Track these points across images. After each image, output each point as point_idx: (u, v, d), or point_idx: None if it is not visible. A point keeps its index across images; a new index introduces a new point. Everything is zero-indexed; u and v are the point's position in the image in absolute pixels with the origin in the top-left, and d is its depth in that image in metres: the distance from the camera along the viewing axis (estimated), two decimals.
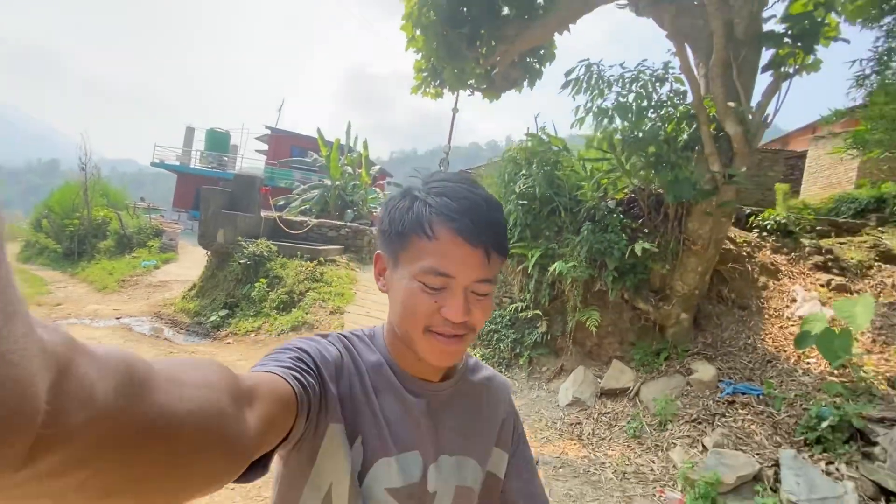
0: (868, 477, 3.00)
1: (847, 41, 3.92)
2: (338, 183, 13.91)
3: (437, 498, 0.63)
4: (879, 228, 6.77)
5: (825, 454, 3.24)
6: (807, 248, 5.92)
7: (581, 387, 4.63)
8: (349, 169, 14.79)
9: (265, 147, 23.25)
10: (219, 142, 21.32)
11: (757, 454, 3.31)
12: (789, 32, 4.10)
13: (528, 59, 7.23)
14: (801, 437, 3.38)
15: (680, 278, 4.82)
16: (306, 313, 6.63)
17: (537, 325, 5.42)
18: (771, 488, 3.05)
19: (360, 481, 0.59)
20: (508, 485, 0.73)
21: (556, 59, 7.20)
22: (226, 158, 21.16)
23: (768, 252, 6.01)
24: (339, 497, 0.57)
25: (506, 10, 5.84)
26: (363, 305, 7.30)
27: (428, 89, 7.68)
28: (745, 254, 5.79)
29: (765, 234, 6.23)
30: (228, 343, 6.44)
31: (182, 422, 0.29)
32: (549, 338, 5.33)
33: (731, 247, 5.79)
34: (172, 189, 21.86)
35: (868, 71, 4.01)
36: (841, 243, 6.16)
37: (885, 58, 3.98)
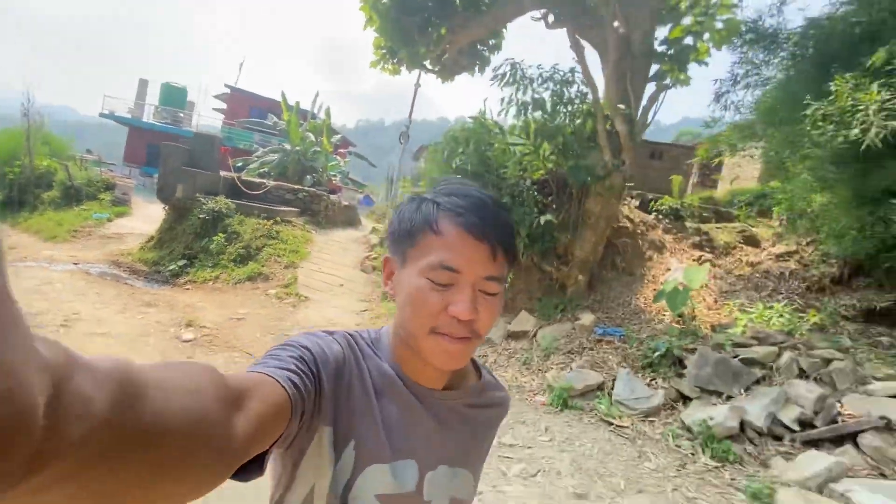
0: (675, 387, 4.20)
1: (706, 64, 5.00)
2: (298, 148, 14.19)
3: None
4: (758, 218, 8.21)
5: (653, 374, 4.43)
6: (689, 230, 7.22)
7: (494, 330, 5.68)
8: (310, 135, 15.07)
9: (223, 106, 22.70)
10: (174, 97, 20.65)
11: (606, 373, 4.46)
12: (670, 52, 5.12)
13: (478, 48, 7.99)
14: (640, 363, 4.56)
15: (579, 247, 5.91)
16: (262, 266, 7.29)
17: None
18: (608, 393, 4.20)
19: (350, 485, 0.58)
20: None
21: (502, 49, 8.00)
22: (181, 115, 20.57)
23: (660, 231, 7.26)
24: (319, 499, 0.58)
25: (456, 1, 6.54)
26: (316, 262, 8.03)
27: (386, 65, 8.28)
28: (639, 231, 7.00)
29: (660, 216, 7.48)
30: (187, 289, 7.01)
31: (171, 429, 0.29)
32: None
33: (629, 225, 6.98)
34: (116, 141, 21.12)
35: (724, 89, 5.12)
36: (718, 228, 7.52)
37: (739, 80, 5.08)
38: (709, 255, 6.80)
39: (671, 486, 2.96)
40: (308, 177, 14.00)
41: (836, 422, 3.27)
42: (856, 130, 3.49)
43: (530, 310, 6.03)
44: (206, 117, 22.73)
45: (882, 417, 3.14)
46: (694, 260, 6.69)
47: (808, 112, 3.81)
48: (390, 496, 0.60)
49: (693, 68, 5.51)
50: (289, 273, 7.27)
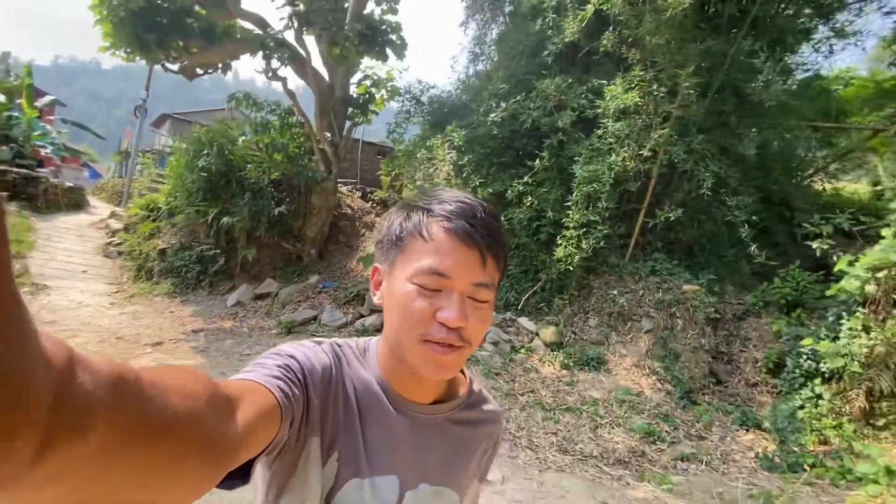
0: (359, 311, 7.08)
1: (377, 113, 7.99)
2: None
3: None
4: None
5: (348, 306, 7.22)
6: None
7: (243, 295, 7.53)
8: (0, 97, 12.51)
9: None
10: None
11: (320, 311, 7.02)
12: (360, 101, 7.85)
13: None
14: (342, 302, 7.31)
15: (308, 229, 8.26)
16: None
17: (218, 260, 7.94)
18: (319, 321, 6.77)
19: (330, 498, 0.59)
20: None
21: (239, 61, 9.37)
22: None
23: (373, 216, 10.34)
24: None
25: (196, 28, 7.61)
26: (47, 251, 7.93)
27: (118, 52, 8.51)
28: (357, 216, 9.88)
29: (374, 204, 10.57)
30: None
31: (166, 429, 0.30)
32: (226, 268, 7.95)
33: (350, 211, 9.76)
34: None
35: (392, 128, 8.22)
36: None
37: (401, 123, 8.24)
38: None
39: None
40: (4, 148, 11.81)
41: None
42: (436, 169, 6.89)
43: (274, 277, 8.11)
44: None
45: None
46: None
47: (417, 156, 7.09)
48: None
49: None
50: (17, 264, 7.16)
